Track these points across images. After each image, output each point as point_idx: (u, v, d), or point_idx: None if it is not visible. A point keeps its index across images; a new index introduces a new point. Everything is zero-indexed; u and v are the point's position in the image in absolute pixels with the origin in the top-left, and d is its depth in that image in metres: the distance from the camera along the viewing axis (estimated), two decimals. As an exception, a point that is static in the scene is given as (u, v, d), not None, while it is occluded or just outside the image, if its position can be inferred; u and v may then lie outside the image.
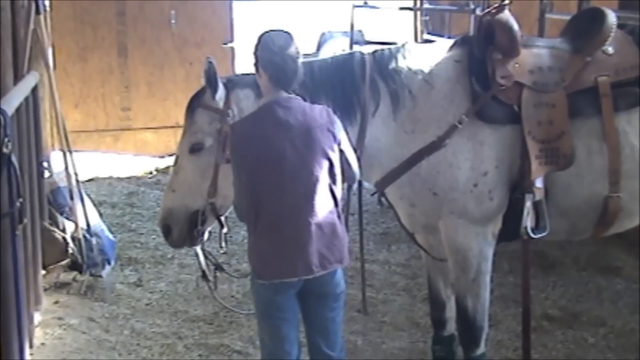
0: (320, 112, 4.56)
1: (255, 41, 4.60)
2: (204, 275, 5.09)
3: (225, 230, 5.02)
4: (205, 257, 5.09)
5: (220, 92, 4.89)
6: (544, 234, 5.04)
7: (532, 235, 5.03)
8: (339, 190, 4.59)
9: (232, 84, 4.97)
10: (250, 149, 4.45)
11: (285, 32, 4.63)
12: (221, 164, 4.85)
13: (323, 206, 4.51)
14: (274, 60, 4.49)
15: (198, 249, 5.05)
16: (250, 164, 4.46)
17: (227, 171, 4.83)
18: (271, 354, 4.70)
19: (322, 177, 4.49)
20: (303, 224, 4.46)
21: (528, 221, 4.99)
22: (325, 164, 4.50)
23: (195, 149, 4.92)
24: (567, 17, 6.07)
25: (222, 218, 5.02)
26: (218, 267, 5.13)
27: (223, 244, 5.02)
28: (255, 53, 4.57)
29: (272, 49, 4.50)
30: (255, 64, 4.57)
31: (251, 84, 4.95)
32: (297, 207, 4.46)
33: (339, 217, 4.59)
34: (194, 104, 4.98)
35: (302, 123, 4.48)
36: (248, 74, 5.09)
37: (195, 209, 4.94)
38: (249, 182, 4.47)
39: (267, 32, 4.62)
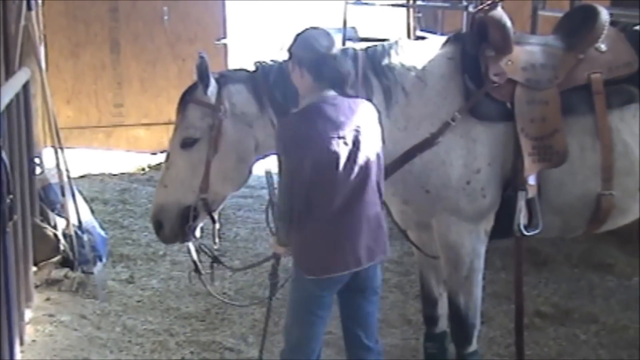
0: (365, 107, 4.60)
1: (292, 40, 4.59)
2: (196, 270, 5.08)
3: (217, 226, 5.03)
4: (201, 251, 5.07)
5: (212, 87, 4.88)
6: (536, 231, 5.04)
7: (525, 232, 5.03)
8: (382, 183, 4.64)
9: (225, 79, 4.96)
10: (304, 150, 4.40)
11: (325, 31, 4.63)
12: (213, 160, 4.86)
13: (371, 200, 4.55)
14: (320, 62, 4.48)
15: (190, 244, 5.04)
16: (305, 164, 4.40)
17: (219, 167, 4.86)
18: (295, 352, 4.69)
19: (371, 171, 4.52)
20: (354, 220, 4.49)
21: (521, 219, 4.99)
22: (374, 158, 4.54)
23: (186, 144, 4.92)
24: (560, 14, 6.07)
25: (215, 214, 5.02)
26: (215, 260, 5.12)
27: (217, 240, 5.02)
28: (294, 52, 4.55)
29: (319, 50, 4.49)
30: (295, 64, 4.54)
31: (243, 79, 4.96)
32: (348, 203, 4.46)
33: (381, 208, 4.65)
34: (186, 99, 4.98)
35: (351, 120, 4.49)
36: (240, 69, 5.10)
37: (187, 205, 4.94)
38: (302, 182, 4.42)
39: (307, 30, 4.62)
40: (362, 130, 4.51)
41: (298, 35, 4.60)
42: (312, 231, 4.49)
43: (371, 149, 4.53)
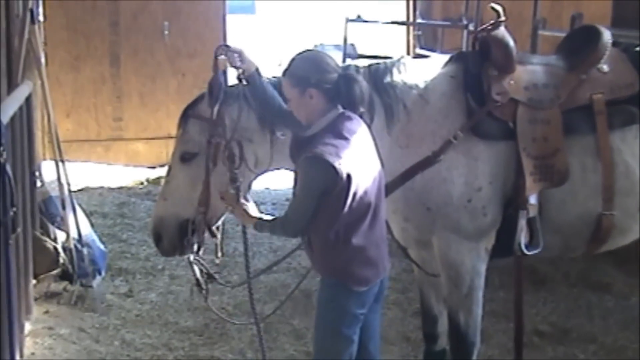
0: (364, 125, 4.58)
1: (292, 63, 4.52)
2: (198, 284, 5.08)
3: (219, 240, 5.04)
4: (197, 265, 5.07)
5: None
6: (537, 250, 5.06)
7: (525, 251, 5.05)
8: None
9: (226, 95, 4.95)
10: (345, 172, 4.31)
11: (325, 52, 4.68)
12: (212, 174, 4.86)
13: (384, 210, 4.60)
14: (337, 81, 4.46)
15: (191, 257, 5.05)
16: (345, 189, 4.32)
17: (218, 181, 4.86)
18: None
19: (382, 183, 4.58)
20: (379, 230, 4.54)
21: (522, 237, 5.01)
22: (380, 169, 4.57)
23: (185, 158, 4.95)
24: (560, 34, 6.10)
25: (214, 228, 5.03)
26: (209, 276, 5.13)
27: (219, 254, 5.03)
28: (302, 74, 4.46)
29: (332, 70, 4.49)
30: (303, 86, 4.44)
31: (245, 96, 4.96)
32: (374, 215, 4.47)
33: None
34: (188, 114, 5.00)
35: (365, 137, 4.53)
36: (244, 85, 5.09)
37: (185, 218, 4.96)
38: (347, 206, 4.36)
39: (307, 51, 4.65)
40: (371, 141, 4.56)
41: (298, 57, 4.56)
42: (354, 248, 4.43)
43: (377, 161, 4.56)
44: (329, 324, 4.58)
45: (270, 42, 23.93)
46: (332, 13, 20.83)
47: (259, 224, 4.60)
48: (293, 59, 4.56)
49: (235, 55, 4.84)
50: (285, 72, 4.54)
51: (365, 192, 4.40)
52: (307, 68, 4.47)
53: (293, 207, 4.47)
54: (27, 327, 6.52)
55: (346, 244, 4.43)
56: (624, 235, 5.28)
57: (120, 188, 11.38)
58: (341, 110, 4.49)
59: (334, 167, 4.26)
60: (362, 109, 4.54)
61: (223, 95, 4.90)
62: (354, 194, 4.35)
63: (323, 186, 4.31)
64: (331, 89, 4.44)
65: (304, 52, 4.66)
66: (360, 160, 4.40)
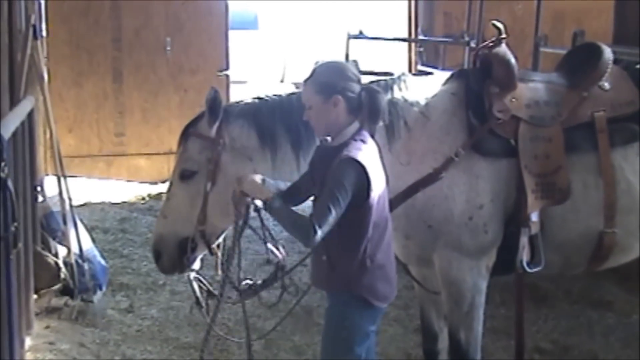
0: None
1: (316, 70, 4.47)
2: (197, 302, 5.08)
3: (219, 257, 5.03)
4: (198, 283, 5.07)
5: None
6: (539, 267, 5.05)
7: (527, 269, 5.04)
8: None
9: (227, 113, 4.96)
10: (374, 182, 4.34)
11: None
12: (210, 193, 4.87)
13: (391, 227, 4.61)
14: (361, 91, 4.43)
15: (192, 275, 5.04)
16: (374, 196, 4.35)
17: (217, 199, 4.87)
18: None
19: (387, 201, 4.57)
20: (391, 249, 4.58)
21: (523, 255, 5.00)
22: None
23: (185, 176, 4.94)
24: (561, 51, 6.10)
25: (214, 246, 5.02)
26: (210, 293, 5.12)
27: (219, 271, 5.03)
28: (327, 81, 4.40)
29: (358, 80, 4.46)
30: (327, 93, 4.38)
31: (245, 114, 4.97)
32: (388, 228, 4.51)
33: None
34: (188, 132, 5.00)
35: (376, 149, 4.51)
36: (244, 103, 5.10)
37: (185, 236, 4.96)
38: (373, 215, 4.38)
39: (330, 61, 4.63)
40: (379, 161, 4.53)
41: (323, 65, 4.52)
42: (379, 265, 4.45)
43: (384, 178, 4.54)
44: (341, 342, 4.54)
45: (273, 58, 23.93)
46: (335, 29, 20.84)
47: (276, 200, 4.38)
48: (316, 67, 4.52)
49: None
50: (308, 80, 4.48)
51: (383, 207, 4.45)
52: (332, 75, 4.43)
53: (322, 209, 4.26)
54: (28, 342, 6.50)
55: (372, 261, 4.43)
56: (626, 253, 5.29)
57: (122, 203, 11.37)
58: (358, 126, 4.45)
59: (365, 170, 4.27)
60: (381, 122, 4.53)
61: (223, 114, 4.91)
62: (376, 206, 4.36)
63: (355, 187, 4.27)
64: (354, 98, 4.39)
65: (327, 61, 4.63)
66: (377, 173, 4.41)
